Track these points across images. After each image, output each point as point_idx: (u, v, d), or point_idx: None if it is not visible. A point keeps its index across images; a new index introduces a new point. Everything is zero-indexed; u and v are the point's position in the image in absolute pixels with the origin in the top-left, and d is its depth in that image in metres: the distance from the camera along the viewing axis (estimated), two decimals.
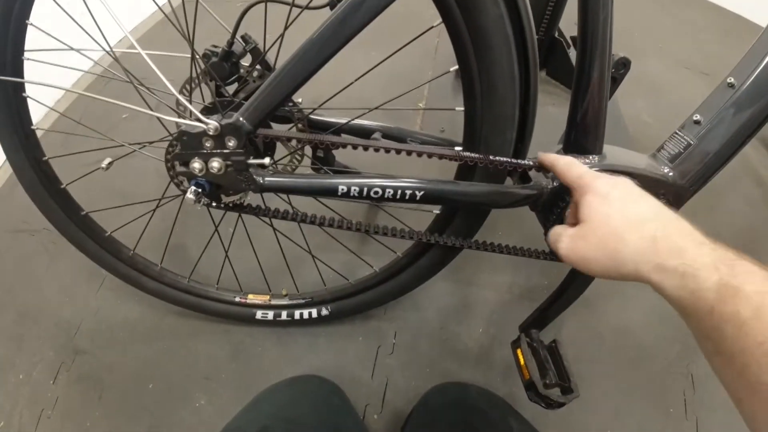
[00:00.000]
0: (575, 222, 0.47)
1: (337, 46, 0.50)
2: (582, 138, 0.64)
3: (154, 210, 0.74)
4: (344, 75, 0.60)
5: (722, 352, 0.36)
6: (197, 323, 0.88)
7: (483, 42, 0.53)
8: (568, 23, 1.16)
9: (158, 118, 0.63)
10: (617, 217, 0.42)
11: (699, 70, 1.36)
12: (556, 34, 1.15)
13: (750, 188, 1.14)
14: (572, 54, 1.17)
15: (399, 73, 1.04)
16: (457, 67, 0.58)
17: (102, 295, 0.92)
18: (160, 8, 0.64)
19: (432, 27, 0.57)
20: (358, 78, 0.62)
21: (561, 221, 0.67)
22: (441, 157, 0.59)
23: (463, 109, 0.61)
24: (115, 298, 0.92)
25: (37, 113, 0.71)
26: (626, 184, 0.46)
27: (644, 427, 0.81)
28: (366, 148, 0.57)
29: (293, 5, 0.58)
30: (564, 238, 0.46)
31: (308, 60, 0.50)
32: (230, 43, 0.64)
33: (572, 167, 0.50)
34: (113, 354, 0.86)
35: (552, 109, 1.19)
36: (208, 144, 0.54)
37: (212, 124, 0.53)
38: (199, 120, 0.53)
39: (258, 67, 0.66)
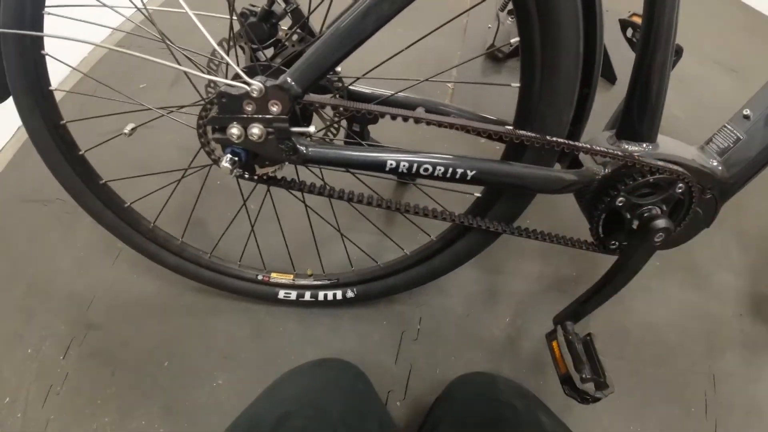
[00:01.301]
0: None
1: (398, 6, 0.44)
2: (638, 125, 0.60)
3: (180, 180, 0.68)
4: (373, 51, 0.54)
5: None
6: (217, 301, 0.83)
7: (551, 17, 0.48)
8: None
9: (190, 80, 0.57)
10: None
11: (728, 66, 1.31)
12: None
13: None
14: (607, 44, 1.11)
15: (426, 55, 0.97)
16: (516, 39, 0.52)
17: (117, 268, 0.87)
18: None
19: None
20: (401, 51, 0.56)
21: (608, 211, 0.62)
22: (495, 135, 0.54)
23: (519, 85, 0.55)
24: (132, 271, 0.86)
25: (56, 75, 0.65)
26: None
27: (665, 424, 0.78)
28: (417, 121, 0.51)
29: None
30: None
31: (368, 19, 0.45)
32: (270, 2, 0.57)
33: None
34: (128, 329, 0.81)
35: None
36: (249, 108, 0.49)
37: (257, 85, 0.47)
38: (242, 80, 0.47)
39: (299, 30, 0.59)
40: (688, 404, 0.80)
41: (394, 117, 0.52)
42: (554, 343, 0.67)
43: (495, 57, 1.21)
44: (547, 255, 0.91)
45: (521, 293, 0.87)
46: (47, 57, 0.59)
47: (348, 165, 0.53)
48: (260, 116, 0.49)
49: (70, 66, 0.66)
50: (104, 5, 0.58)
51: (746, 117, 0.65)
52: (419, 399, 0.76)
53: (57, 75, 1.02)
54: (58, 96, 0.64)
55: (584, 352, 0.67)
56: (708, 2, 1.58)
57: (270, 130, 0.50)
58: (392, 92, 0.64)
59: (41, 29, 0.56)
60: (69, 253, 0.88)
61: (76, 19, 0.58)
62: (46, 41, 0.58)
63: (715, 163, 0.64)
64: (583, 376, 0.64)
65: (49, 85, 0.61)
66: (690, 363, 0.83)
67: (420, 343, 0.81)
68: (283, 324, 0.82)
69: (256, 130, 0.50)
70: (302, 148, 0.51)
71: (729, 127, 0.66)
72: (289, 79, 0.47)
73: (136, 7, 0.57)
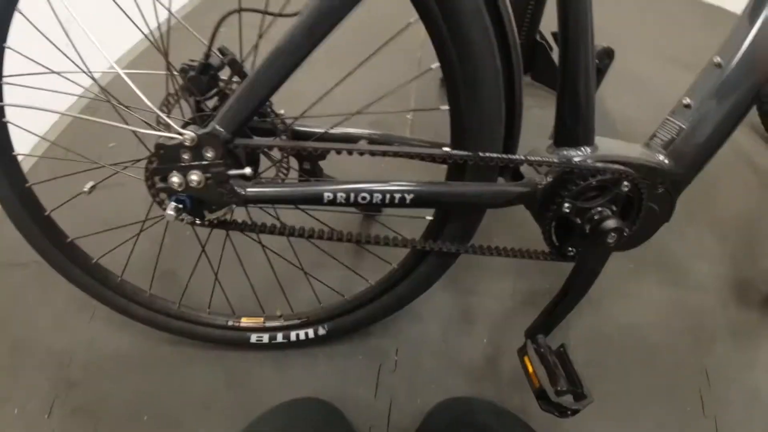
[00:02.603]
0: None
1: (308, 47, 0.47)
2: (573, 130, 0.61)
3: (139, 233, 0.70)
4: (328, 91, 0.57)
5: None
6: (191, 351, 0.83)
7: (462, 36, 0.50)
8: (549, 26, 1.15)
9: (137, 136, 0.60)
10: None
11: (682, 63, 1.33)
12: (538, 37, 1.13)
13: (746, 174, 1.10)
14: (555, 56, 1.15)
15: (383, 89, 1.00)
16: (438, 65, 0.55)
17: (94, 326, 0.87)
18: (133, 21, 0.61)
19: (410, 23, 0.54)
20: (341, 81, 0.59)
21: (557, 219, 0.63)
22: (429, 157, 0.56)
23: (447, 107, 0.57)
24: (107, 327, 0.86)
25: (28, 141, 0.68)
26: None
27: (662, 428, 0.76)
28: (351, 153, 0.53)
29: (266, 13, 0.56)
30: None
31: (281, 62, 0.47)
32: (207, 56, 0.61)
33: None
34: (106, 385, 0.80)
35: (538, 111, 1.15)
36: (186, 156, 0.51)
37: (188, 134, 0.49)
38: (176, 132, 0.50)
39: (236, 78, 0.62)
40: (683, 404, 0.77)
41: (327, 151, 0.54)
42: (526, 358, 0.66)
43: None
44: (519, 272, 0.91)
45: (496, 312, 0.86)
46: (9, 125, 0.62)
47: (288, 201, 0.54)
48: (197, 163, 0.51)
49: (31, 132, 0.69)
50: (53, 72, 0.61)
51: (687, 106, 0.65)
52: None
53: (28, 141, 1.07)
54: (28, 160, 0.67)
55: (558, 364, 0.66)
56: (656, 1, 1.63)
57: (208, 175, 0.52)
58: (331, 126, 0.66)
59: (1, 98, 0.60)
60: (48, 312, 0.89)
61: (35, 88, 0.61)
62: (8, 110, 0.62)
63: (661, 157, 0.65)
64: (558, 388, 0.63)
65: (13, 150, 0.64)
66: (679, 361, 0.81)
67: (398, 375, 0.80)
68: (258, 369, 0.81)
69: (194, 176, 0.52)
70: (240, 190, 0.53)
71: (671, 118, 0.67)
72: (217, 126, 0.49)
73: (82, 71, 0.61)
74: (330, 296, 0.79)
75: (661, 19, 1.56)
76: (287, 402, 0.69)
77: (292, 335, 0.78)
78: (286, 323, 0.78)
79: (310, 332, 0.78)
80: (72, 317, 0.89)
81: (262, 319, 0.79)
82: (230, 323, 0.78)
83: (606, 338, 0.84)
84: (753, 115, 1.17)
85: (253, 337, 0.78)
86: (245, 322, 0.78)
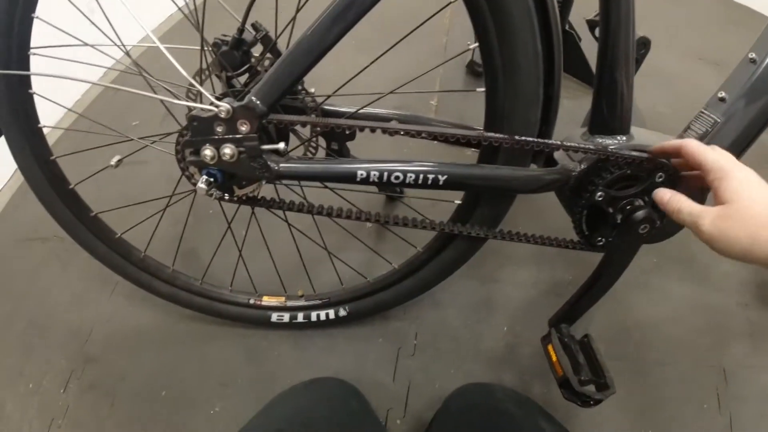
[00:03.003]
0: (701, 202, 0.48)
1: (349, 21, 0.46)
2: (609, 118, 0.60)
3: (166, 207, 0.70)
4: (361, 70, 0.56)
5: None
6: (211, 328, 0.83)
7: (504, 15, 0.49)
8: (577, 18, 1.13)
9: (167, 108, 0.59)
10: (761, 203, 0.43)
11: (711, 61, 1.31)
12: (567, 27, 1.11)
13: None
14: (584, 46, 1.13)
15: (409, 74, 1.00)
16: (475, 44, 0.54)
17: (114, 301, 0.88)
18: (174, 2, 0.60)
19: (449, 3, 0.53)
20: (374, 61, 0.57)
21: (589, 208, 0.62)
22: (464, 138, 0.54)
23: (483, 89, 0.56)
24: (128, 304, 0.87)
25: (54, 114, 0.68)
26: (755, 174, 0.47)
27: (678, 424, 0.75)
28: (384, 131, 0.52)
29: None
30: (706, 217, 0.46)
31: (321, 36, 0.46)
32: (240, 31, 0.60)
33: (708, 151, 0.49)
34: (125, 361, 0.81)
35: (566, 102, 1.14)
36: (219, 129, 0.50)
37: (224, 106, 0.48)
38: (211, 103, 0.49)
39: (269, 55, 0.62)
40: (699, 401, 0.77)
41: (362, 129, 0.53)
42: (549, 347, 0.66)
43: (475, 72, 1.25)
44: (541, 261, 0.90)
45: (517, 300, 0.86)
46: (35, 96, 0.62)
47: (320, 178, 0.54)
48: (231, 136, 0.51)
49: (57, 103, 0.69)
50: (85, 44, 0.61)
51: (722, 99, 0.65)
52: (419, 415, 0.75)
53: (55, 114, 1.07)
54: (53, 134, 0.67)
55: (582, 354, 0.66)
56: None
57: (241, 149, 0.51)
58: (362, 106, 0.65)
59: (28, 69, 0.60)
60: (67, 288, 0.90)
61: (63, 59, 0.61)
62: (36, 82, 0.61)
63: None
64: (581, 378, 0.63)
65: (38, 122, 0.64)
66: (698, 358, 0.81)
67: (417, 359, 0.80)
68: (277, 348, 0.81)
69: (228, 150, 0.51)
70: (273, 165, 0.52)
71: (706, 112, 0.66)
72: (253, 98, 0.48)
73: (114, 43, 0.60)
74: (352, 278, 0.79)
75: (689, 17, 1.53)
76: (307, 381, 0.69)
77: (313, 315, 0.78)
78: (307, 303, 0.78)
79: (331, 313, 0.78)
80: (92, 293, 0.89)
81: (283, 299, 0.79)
82: (252, 301, 0.78)
83: (625, 331, 0.83)
84: None
85: (274, 316, 0.78)
86: (266, 300, 0.79)
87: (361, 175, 0.53)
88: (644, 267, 0.89)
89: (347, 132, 0.66)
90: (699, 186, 0.55)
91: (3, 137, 0.64)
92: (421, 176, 0.53)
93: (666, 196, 0.53)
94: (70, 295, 0.89)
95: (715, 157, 0.49)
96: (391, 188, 0.87)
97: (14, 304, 0.88)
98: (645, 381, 0.78)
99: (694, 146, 0.51)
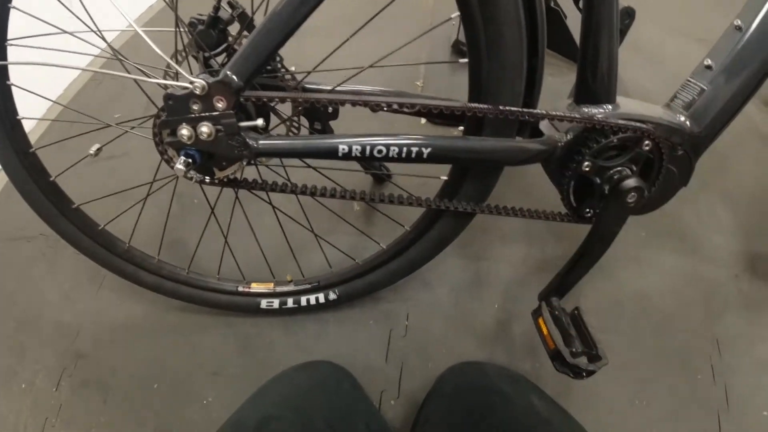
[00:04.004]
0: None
1: None
2: (594, 87, 0.59)
3: (147, 195, 0.68)
4: (339, 55, 0.55)
5: None
6: (201, 318, 0.82)
7: None
8: None
9: (142, 89, 0.57)
10: None
11: (695, 37, 1.31)
12: (552, 4, 1.10)
13: (757, 149, 1.08)
14: (569, 23, 1.12)
15: (394, 54, 0.98)
16: (457, 14, 0.52)
17: (102, 296, 0.86)
18: None
19: None
20: (354, 34, 0.56)
21: (576, 179, 0.61)
22: (446, 110, 0.53)
23: (467, 60, 0.55)
24: (116, 298, 0.85)
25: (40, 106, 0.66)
26: None
27: (673, 395, 0.75)
28: (365, 105, 0.51)
29: None
30: None
31: (295, 7, 0.45)
32: (216, 9, 0.58)
33: None
34: (116, 356, 0.80)
35: (551, 79, 1.11)
36: (195, 107, 0.49)
37: (198, 82, 0.47)
38: (186, 81, 0.47)
39: (246, 33, 0.60)
40: (693, 372, 0.77)
41: (342, 103, 0.52)
42: (540, 320, 0.65)
43: (460, 50, 1.24)
44: (531, 237, 0.90)
45: (508, 278, 0.85)
46: (13, 87, 0.60)
47: (301, 154, 0.52)
48: (207, 114, 0.49)
49: (37, 94, 0.66)
50: (63, 31, 0.59)
51: (708, 67, 0.64)
52: (413, 396, 0.74)
53: (39, 107, 1.05)
54: (39, 128, 0.65)
55: (573, 326, 0.65)
56: None
57: (219, 127, 0.50)
58: (342, 82, 0.63)
59: (5, 60, 0.58)
60: (55, 286, 0.88)
61: (43, 48, 0.59)
62: (17, 74, 0.59)
63: (682, 118, 0.63)
64: (573, 350, 0.62)
65: (17, 114, 0.62)
66: (691, 330, 0.81)
67: (409, 340, 0.79)
68: (268, 334, 0.80)
69: (205, 128, 0.49)
70: (252, 143, 0.51)
71: (692, 80, 0.66)
72: (228, 73, 0.47)
73: (90, 29, 0.58)
74: (341, 261, 0.78)
75: None
76: (299, 365, 0.68)
77: (303, 300, 0.77)
78: (296, 288, 0.77)
79: (321, 297, 0.77)
80: (79, 290, 0.88)
81: (272, 284, 0.78)
82: (240, 289, 0.77)
83: (618, 305, 0.83)
84: (765, 88, 1.15)
85: (263, 303, 0.77)
86: (255, 287, 0.77)
87: (343, 149, 0.51)
88: (634, 241, 0.89)
89: (330, 110, 0.65)
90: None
91: None
92: (405, 149, 0.52)
93: None
94: (59, 293, 0.87)
95: None
96: (378, 168, 0.86)
97: (2, 304, 0.86)
98: (639, 353, 0.78)
99: None
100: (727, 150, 1.04)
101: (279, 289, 0.77)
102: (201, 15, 0.60)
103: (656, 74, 1.20)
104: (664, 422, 0.73)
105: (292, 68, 0.63)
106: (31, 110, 0.64)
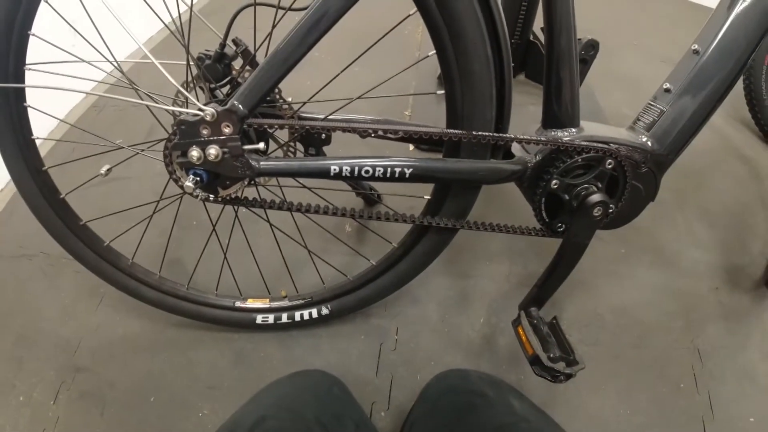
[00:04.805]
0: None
1: (317, 34, 0.55)
2: (559, 112, 0.69)
3: (154, 211, 0.77)
4: (334, 88, 0.65)
5: None
6: (198, 333, 0.89)
7: (457, 28, 0.59)
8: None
9: (154, 114, 0.68)
10: None
11: (673, 62, 1.43)
12: (531, 37, 1.23)
13: (735, 167, 1.19)
14: None
15: (385, 85, 1.10)
16: (434, 52, 0.63)
17: (101, 312, 0.93)
18: (161, 19, 0.70)
19: (408, 15, 0.63)
20: (347, 67, 0.67)
21: (546, 196, 0.71)
22: (426, 135, 0.64)
23: (443, 92, 0.66)
24: (115, 314, 0.93)
25: (45, 125, 0.75)
26: None
27: (656, 404, 0.82)
28: (354, 131, 0.61)
29: (279, 7, 0.65)
30: None
31: (294, 45, 0.56)
32: (222, 45, 0.69)
33: None
34: (114, 370, 0.86)
35: (533, 108, 1.25)
36: (205, 132, 0.59)
37: (209, 110, 0.57)
38: (197, 108, 0.58)
39: (248, 67, 0.71)
40: (676, 381, 0.84)
41: (334, 130, 0.62)
42: (519, 328, 0.73)
43: None
44: (514, 255, 0.99)
45: (492, 293, 0.94)
46: (29, 109, 0.69)
47: (297, 174, 0.62)
48: (215, 138, 0.59)
49: (50, 115, 0.76)
50: (82, 60, 0.69)
51: (667, 90, 0.74)
52: (402, 407, 0.81)
53: (45, 127, 1.15)
54: (44, 145, 0.74)
55: (551, 334, 0.73)
56: (651, 3, 1.75)
57: (225, 149, 0.59)
58: (335, 111, 0.74)
59: (23, 83, 0.68)
60: (55, 302, 0.95)
61: (55, 73, 0.69)
62: (30, 96, 0.68)
63: (644, 139, 0.73)
64: (551, 355, 0.70)
65: (31, 134, 0.71)
66: (672, 340, 0.88)
67: (399, 353, 0.87)
68: (263, 349, 0.87)
69: (212, 150, 0.59)
70: (255, 163, 0.61)
71: (652, 102, 0.76)
72: (235, 102, 0.57)
73: (105, 58, 0.69)
74: (334, 278, 0.86)
75: (653, 20, 1.68)
76: (291, 373, 0.75)
77: (297, 315, 0.85)
78: (290, 303, 0.85)
79: (314, 312, 0.84)
80: (79, 306, 0.95)
81: (267, 300, 0.86)
82: (237, 304, 0.85)
83: (599, 318, 0.91)
84: (742, 109, 1.27)
85: (259, 318, 0.85)
86: (251, 303, 0.85)
87: (334, 170, 0.61)
88: (614, 257, 0.98)
89: (323, 136, 0.75)
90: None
91: None
92: (389, 169, 0.62)
93: None
94: (58, 309, 0.95)
95: None
96: (367, 189, 0.96)
97: (2, 320, 0.93)
98: (620, 364, 0.86)
99: None
100: (705, 168, 1.15)
101: (274, 304, 0.85)
102: (208, 51, 0.71)
103: (634, 100, 1.33)
104: (649, 430, 0.80)
105: (290, 99, 0.74)
106: (36, 131, 0.72)
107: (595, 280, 0.94)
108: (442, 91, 0.66)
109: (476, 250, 0.99)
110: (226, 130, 0.59)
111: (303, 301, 0.85)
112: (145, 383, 0.85)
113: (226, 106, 0.57)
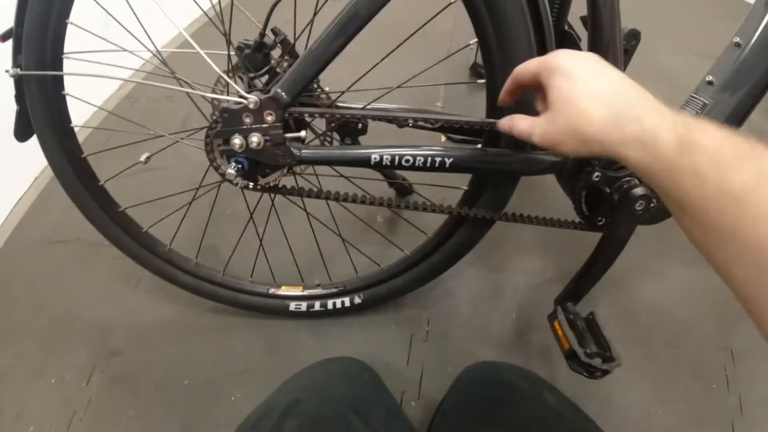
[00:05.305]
0: (545, 108, 0.47)
1: (359, 24, 0.55)
2: None
3: (194, 198, 0.78)
4: (365, 78, 0.66)
5: (685, 208, 0.37)
6: (231, 319, 0.91)
7: (499, 13, 0.58)
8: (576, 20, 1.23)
9: (195, 103, 0.69)
10: (581, 94, 0.42)
11: (710, 56, 1.39)
12: (566, 27, 1.21)
13: None
14: (583, 45, 1.22)
15: (419, 76, 1.10)
16: (475, 40, 0.63)
17: (137, 298, 0.96)
18: (200, 8, 0.71)
19: (450, 3, 0.62)
20: (383, 59, 0.67)
21: (587, 189, 0.70)
22: (466, 125, 0.63)
23: (484, 81, 0.65)
24: (150, 299, 0.95)
25: (80, 114, 0.77)
26: (591, 58, 0.46)
27: (688, 404, 0.81)
28: (391, 121, 0.62)
29: None
30: (536, 128, 0.47)
31: (336, 35, 0.56)
32: (261, 35, 0.70)
33: (528, 62, 0.49)
34: (148, 354, 0.89)
35: None
36: (247, 120, 0.59)
37: (252, 98, 0.58)
38: (240, 96, 0.58)
39: (287, 57, 0.71)
40: (708, 381, 0.83)
41: (373, 119, 0.62)
42: (556, 323, 0.73)
43: (477, 72, 1.36)
44: (548, 249, 0.98)
45: (525, 288, 0.93)
46: (67, 97, 0.70)
47: (337, 162, 0.63)
48: (258, 126, 0.60)
49: (90, 103, 0.77)
50: (121, 49, 0.71)
51: (710, 83, 0.73)
52: (433, 397, 0.82)
53: (82, 114, 1.18)
54: (82, 133, 0.76)
55: (587, 329, 0.73)
56: None
57: (267, 137, 0.60)
58: (371, 101, 0.74)
59: (61, 71, 0.69)
60: (90, 287, 0.99)
61: (92, 61, 0.70)
62: (66, 84, 0.69)
63: None
64: (587, 350, 0.69)
65: (70, 122, 0.72)
66: (705, 340, 0.87)
67: (429, 344, 0.87)
68: (295, 336, 0.89)
69: (255, 138, 0.60)
70: (296, 151, 0.61)
71: (695, 95, 0.74)
72: (279, 90, 0.58)
73: (148, 49, 0.70)
74: (366, 267, 0.87)
75: (689, 14, 1.64)
76: (323, 360, 0.76)
77: (329, 303, 0.86)
78: (323, 292, 0.86)
79: (347, 301, 0.85)
80: (114, 291, 0.98)
81: (301, 288, 0.87)
82: (271, 291, 0.87)
83: (633, 315, 0.90)
84: None
85: (292, 305, 0.86)
86: (285, 290, 0.87)
87: (375, 158, 0.61)
88: (649, 254, 0.97)
89: (360, 126, 0.75)
90: None
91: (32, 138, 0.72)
92: (429, 159, 0.62)
93: (504, 124, 0.53)
94: (93, 294, 0.98)
95: (539, 60, 0.47)
96: (399, 179, 0.96)
97: (38, 304, 0.97)
98: (653, 362, 0.85)
99: (519, 67, 0.50)
100: None
101: (307, 292, 0.87)
102: (248, 40, 0.72)
103: (670, 93, 1.29)
104: (679, 430, 0.79)
105: (327, 88, 0.74)
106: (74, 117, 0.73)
107: (630, 277, 0.93)
108: (483, 81, 0.65)
109: (510, 244, 0.99)
110: (269, 118, 0.59)
111: (336, 290, 0.86)
112: (179, 367, 0.87)
113: (270, 94, 0.58)
